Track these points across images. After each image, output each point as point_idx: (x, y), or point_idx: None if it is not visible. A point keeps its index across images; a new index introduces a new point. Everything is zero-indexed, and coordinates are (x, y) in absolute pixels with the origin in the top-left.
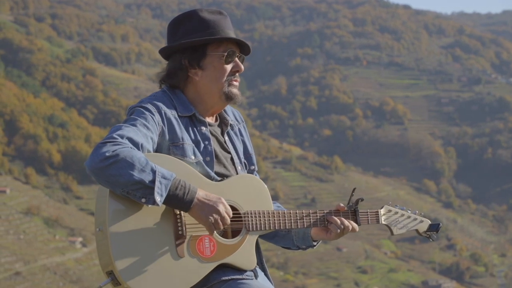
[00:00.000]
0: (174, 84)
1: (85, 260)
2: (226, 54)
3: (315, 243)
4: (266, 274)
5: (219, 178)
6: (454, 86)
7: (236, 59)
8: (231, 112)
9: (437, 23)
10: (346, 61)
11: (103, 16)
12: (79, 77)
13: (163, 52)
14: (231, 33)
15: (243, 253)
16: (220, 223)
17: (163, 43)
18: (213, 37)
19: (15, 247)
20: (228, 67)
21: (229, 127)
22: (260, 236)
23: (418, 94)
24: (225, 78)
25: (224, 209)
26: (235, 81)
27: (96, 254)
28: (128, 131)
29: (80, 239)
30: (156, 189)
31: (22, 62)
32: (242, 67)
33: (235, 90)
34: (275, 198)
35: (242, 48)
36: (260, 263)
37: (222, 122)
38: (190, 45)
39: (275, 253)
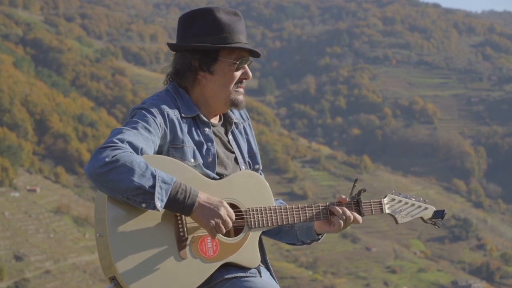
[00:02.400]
0: (181, 84)
1: None
2: (238, 62)
3: (319, 237)
4: (271, 274)
5: (218, 177)
6: (484, 85)
7: (246, 66)
8: (236, 110)
9: (467, 22)
10: (375, 60)
11: (132, 16)
12: (108, 77)
13: (173, 47)
14: (243, 38)
15: (246, 251)
16: (222, 226)
17: None
18: (227, 45)
19: (45, 246)
20: (238, 74)
21: (233, 126)
22: (264, 233)
23: (448, 93)
24: (233, 85)
25: (226, 212)
26: (241, 87)
27: None
28: (129, 135)
29: None
30: (156, 194)
31: (52, 62)
32: (251, 74)
33: (240, 97)
34: (303, 197)
35: (252, 52)
36: (265, 262)
37: (226, 121)
38: (203, 48)
39: (303, 252)
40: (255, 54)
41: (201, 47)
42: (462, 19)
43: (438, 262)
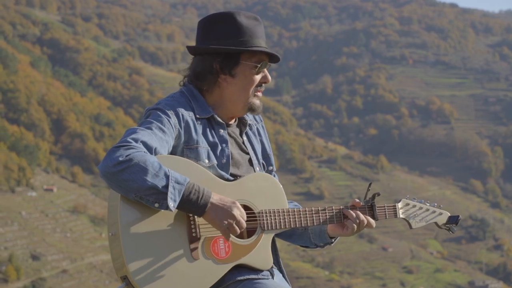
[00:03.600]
0: (200, 87)
1: None
2: (259, 65)
3: (332, 240)
4: (284, 276)
5: (232, 178)
6: (501, 85)
7: (265, 69)
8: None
9: (484, 22)
10: (392, 60)
11: (149, 16)
12: (125, 77)
13: (194, 50)
14: (263, 42)
15: (259, 253)
16: (236, 227)
17: None
18: (248, 47)
19: (62, 245)
20: (258, 77)
21: (247, 127)
22: (277, 235)
23: (465, 93)
24: (253, 88)
25: (239, 213)
26: (260, 92)
27: None
28: (143, 134)
29: None
30: (169, 194)
31: (69, 62)
32: (270, 78)
33: (258, 102)
34: (320, 197)
35: (273, 57)
36: (278, 264)
37: (241, 122)
38: (225, 51)
39: (320, 252)
40: (274, 59)
41: (224, 49)
42: (479, 19)
43: (455, 263)
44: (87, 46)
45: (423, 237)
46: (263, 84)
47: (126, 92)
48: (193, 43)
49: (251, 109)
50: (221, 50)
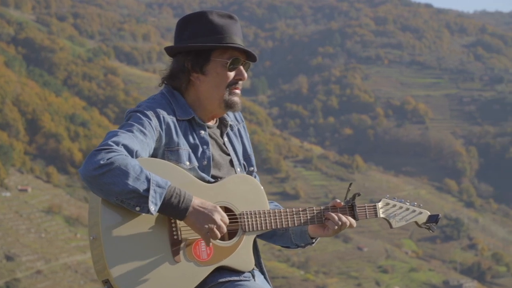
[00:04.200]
0: (175, 86)
1: None
2: (229, 61)
3: (313, 240)
4: (265, 277)
5: (213, 180)
6: (476, 85)
7: (241, 67)
8: (231, 112)
9: (459, 22)
10: (367, 60)
11: (125, 16)
12: (100, 76)
13: (168, 51)
14: (239, 40)
15: (240, 255)
16: (216, 232)
17: None
18: (217, 44)
19: (36, 246)
20: (231, 74)
21: (228, 128)
22: (258, 237)
23: (440, 93)
24: (226, 85)
25: (220, 217)
26: (237, 89)
27: None
28: (124, 137)
29: None
30: (150, 198)
31: (44, 61)
32: (246, 75)
33: (235, 98)
34: (295, 197)
35: (249, 55)
36: (259, 265)
37: (222, 123)
38: (195, 49)
39: (295, 252)
40: (250, 56)
41: (192, 47)
42: (454, 19)
43: (429, 262)
44: (62, 46)
45: (398, 236)
46: (239, 82)
47: (101, 92)
48: (169, 43)
49: (228, 106)
50: (190, 48)
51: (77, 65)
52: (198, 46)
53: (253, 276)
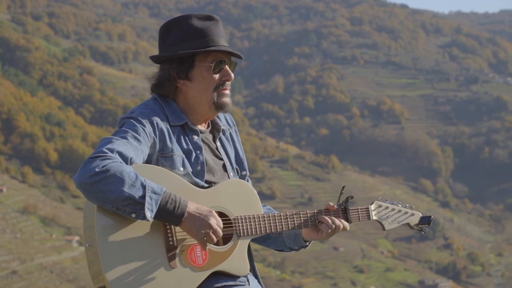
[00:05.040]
0: (163, 94)
1: (82, 259)
2: (213, 64)
3: (307, 244)
4: (259, 281)
5: (206, 185)
6: (451, 86)
7: (226, 67)
8: (223, 116)
9: (434, 23)
10: (343, 60)
11: (100, 15)
12: (76, 76)
13: (153, 59)
14: (221, 40)
15: (236, 260)
16: (212, 236)
17: None
18: (199, 49)
19: (11, 246)
20: (217, 76)
21: (221, 133)
22: (252, 240)
23: (415, 93)
24: (214, 88)
25: (216, 222)
26: (225, 90)
27: None
28: (119, 144)
29: (76, 238)
30: (146, 204)
31: (19, 61)
32: (232, 75)
33: (225, 99)
34: (272, 197)
35: (233, 54)
36: (253, 269)
37: (214, 128)
38: (178, 56)
39: (271, 252)
40: (234, 55)
41: (175, 55)
42: (429, 20)
43: (405, 262)
44: (38, 45)
45: (374, 236)
46: (227, 82)
47: (77, 92)
48: (145, 43)
49: (219, 108)
50: (173, 56)
51: (53, 65)
52: (179, 54)
53: (248, 281)
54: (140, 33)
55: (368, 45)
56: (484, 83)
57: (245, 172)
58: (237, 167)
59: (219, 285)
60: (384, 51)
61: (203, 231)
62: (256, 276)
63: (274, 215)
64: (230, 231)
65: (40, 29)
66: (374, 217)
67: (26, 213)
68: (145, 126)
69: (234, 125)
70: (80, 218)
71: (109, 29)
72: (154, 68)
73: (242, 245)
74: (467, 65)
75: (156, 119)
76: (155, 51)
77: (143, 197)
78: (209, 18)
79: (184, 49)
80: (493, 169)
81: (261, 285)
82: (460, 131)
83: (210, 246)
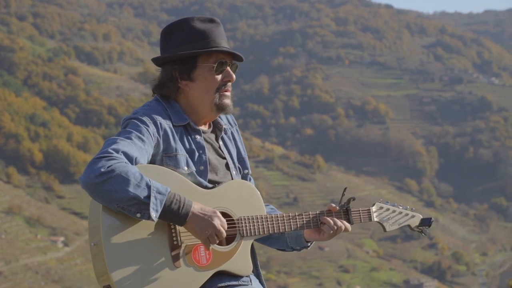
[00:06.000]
0: (165, 95)
1: (67, 260)
2: (216, 65)
3: (309, 244)
4: (260, 281)
5: (210, 186)
6: (435, 86)
7: (228, 68)
8: (224, 116)
9: (419, 23)
10: (328, 61)
11: (85, 15)
12: (61, 76)
13: (155, 61)
14: (223, 42)
15: (239, 259)
16: (216, 237)
17: (145, 42)
18: (201, 50)
19: None
20: (219, 77)
21: (223, 132)
22: (254, 240)
23: (400, 93)
24: (216, 89)
25: (219, 223)
26: (227, 91)
27: (78, 253)
28: (123, 145)
29: (62, 238)
30: (151, 204)
31: (3, 61)
32: (234, 76)
33: (226, 101)
34: None
35: (235, 56)
36: (255, 268)
37: (216, 127)
38: (180, 57)
39: (257, 252)
40: (236, 56)
41: (178, 55)
42: (414, 20)
43: (390, 261)
44: (22, 46)
45: (359, 236)
46: (228, 83)
47: (61, 92)
48: (130, 43)
49: (220, 109)
50: (176, 56)
51: (37, 65)
52: (183, 54)
53: (250, 281)
54: (125, 33)
55: (353, 45)
56: (469, 83)
57: (247, 171)
58: (239, 166)
59: (223, 284)
60: (369, 51)
61: (207, 231)
62: (258, 276)
63: (277, 216)
64: (233, 231)
65: (24, 29)
66: (376, 219)
67: (11, 214)
68: (148, 127)
69: (236, 125)
70: (64, 218)
71: (94, 29)
72: (139, 68)
73: (245, 245)
74: (452, 65)
75: (160, 119)
76: (141, 51)
77: (148, 197)
78: (211, 21)
79: (186, 50)
80: (477, 169)
81: (263, 285)
82: (444, 131)
83: (213, 246)
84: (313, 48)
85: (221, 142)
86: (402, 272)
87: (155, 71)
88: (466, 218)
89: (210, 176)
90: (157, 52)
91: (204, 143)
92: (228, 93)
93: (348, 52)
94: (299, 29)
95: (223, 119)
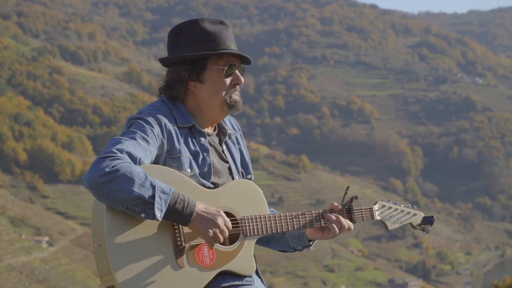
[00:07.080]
0: (173, 96)
1: (51, 260)
2: (226, 68)
3: (311, 243)
4: (262, 281)
5: (213, 187)
6: (420, 86)
7: (237, 71)
8: (228, 121)
9: (403, 23)
10: (313, 60)
11: (70, 14)
12: (45, 76)
13: (163, 61)
14: (232, 45)
15: (242, 259)
16: (220, 236)
17: (130, 42)
18: (212, 51)
19: None
20: (228, 80)
21: (227, 136)
22: (256, 242)
23: (385, 93)
24: (225, 91)
25: (223, 222)
26: (235, 93)
27: (62, 253)
28: (128, 145)
29: (46, 238)
30: (156, 204)
31: None
32: (242, 79)
33: (236, 97)
34: None
35: (243, 59)
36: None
37: (220, 131)
38: (190, 58)
39: None
40: (244, 59)
41: (188, 56)
42: (399, 20)
43: (375, 261)
44: (6, 45)
45: (344, 235)
46: (237, 86)
47: (46, 91)
48: (115, 42)
49: (231, 107)
50: (186, 57)
51: (22, 64)
52: (193, 55)
53: (253, 280)
54: (110, 32)
55: (338, 45)
56: (453, 83)
57: (250, 176)
58: (242, 171)
59: (226, 284)
60: (354, 51)
61: (210, 231)
62: (258, 275)
63: (280, 215)
64: (237, 231)
65: (8, 28)
66: (378, 217)
67: None
68: (153, 127)
69: (239, 130)
70: (49, 218)
71: (79, 29)
72: (124, 68)
73: (249, 245)
74: (436, 65)
75: (164, 120)
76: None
77: (152, 197)
78: (221, 23)
79: (196, 51)
80: (462, 168)
81: (264, 285)
82: (429, 130)
83: (217, 246)
84: (298, 48)
85: (224, 147)
86: (387, 271)
87: (140, 70)
88: (450, 218)
89: (213, 179)
90: (141, 52)
91: (208, 146)
92: (237, 93)
93: (333, 52)
94: (284, 29)
95: (227, 124)
